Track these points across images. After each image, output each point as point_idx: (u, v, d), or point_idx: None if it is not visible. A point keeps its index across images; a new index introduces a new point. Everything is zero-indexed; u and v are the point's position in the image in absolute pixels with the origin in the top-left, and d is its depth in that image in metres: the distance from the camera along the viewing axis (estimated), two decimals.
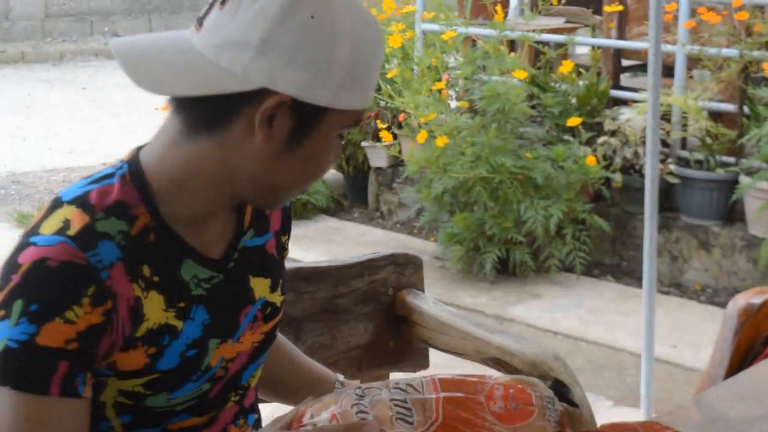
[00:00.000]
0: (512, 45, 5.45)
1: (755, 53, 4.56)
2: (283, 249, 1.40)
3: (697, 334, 4.10)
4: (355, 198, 5.95)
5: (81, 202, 1.17)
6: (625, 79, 5.60)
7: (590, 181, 4.71)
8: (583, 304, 4.49)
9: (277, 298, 1.36)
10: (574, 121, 4.81)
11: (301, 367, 1.58)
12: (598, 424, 1.67)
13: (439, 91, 5.18)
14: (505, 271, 4.73)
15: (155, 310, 1.19)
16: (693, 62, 4.86)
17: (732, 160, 4.62)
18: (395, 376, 2.00)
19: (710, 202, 4.61)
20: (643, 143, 4.45)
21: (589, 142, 4.80)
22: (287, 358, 1.56)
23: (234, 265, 1.29)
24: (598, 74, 5.09)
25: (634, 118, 4.73)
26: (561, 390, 1.66)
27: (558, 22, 5.77)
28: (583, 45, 5.61)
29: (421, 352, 1.96)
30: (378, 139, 5.52)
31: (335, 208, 5.86)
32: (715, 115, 4.73)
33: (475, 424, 1.26)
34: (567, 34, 5.37)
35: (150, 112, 6.47)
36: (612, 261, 4.92)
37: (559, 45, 5.32)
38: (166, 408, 1.25)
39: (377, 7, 5.90)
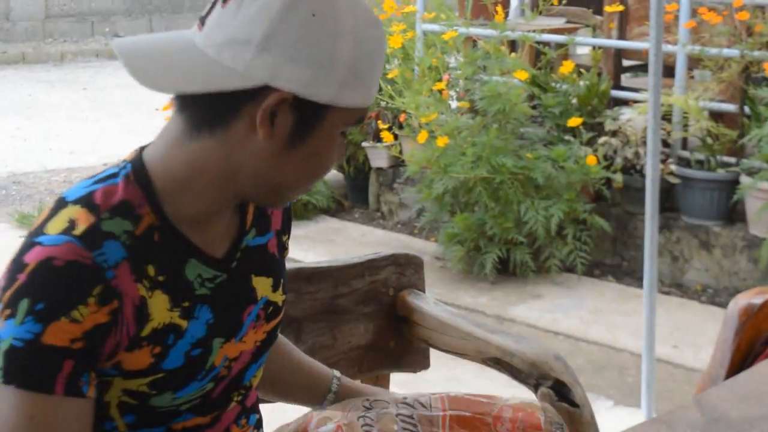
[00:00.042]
0: (513, 45, 5.45)
1: (756, 53, 4.56)
2: (283, 248, 1.41)
3: (697, 334, 4.10)
4: (355, 198, 5.95)
5: (86, 201, 1.17)
6: (625, 79, 5.60)
7: (591, 182, 4.71)
8: (584, 304, 4.49)
9: (278, 297, 1.37)
10: (574, 121, 4.81)
11: (299, 364, 1.58)
12: (599, 424, 1.67)
13: (440, 91, 5.18)
14: (506, 271, 4.73)
15: (160, 309, 1.20)
16: (694, 62, 4.86)
17: (733, 160, 4.62)
18: (396, 376, 2.00)
19: (711, 203, 4.61)
20: (644, 143, 4.44)
21: (590, 143, 4.80)
22: (286, 356, 1.57)
23: (237, 264, 1.29)
24: (599, 74, 5.09)
25: (634, 118, 4.73)
26: (562, 390, 1.66)
27: (559, 22, 5.77)
28: (584, 45, 5.61)
29: (421, 352, 1.96)
30: (379, 139, 5.52)
31: (336, 209, 5.87)
32: (716, 116, 4.73)
33: None
34: (568, 35, 5.37)
35: (151, 112, 6.48)
36: (613, 261, 4.92)
37: (560, 45, 5.32)
38: (171, 407, 1.25)
39: (378, 7, 5.90)
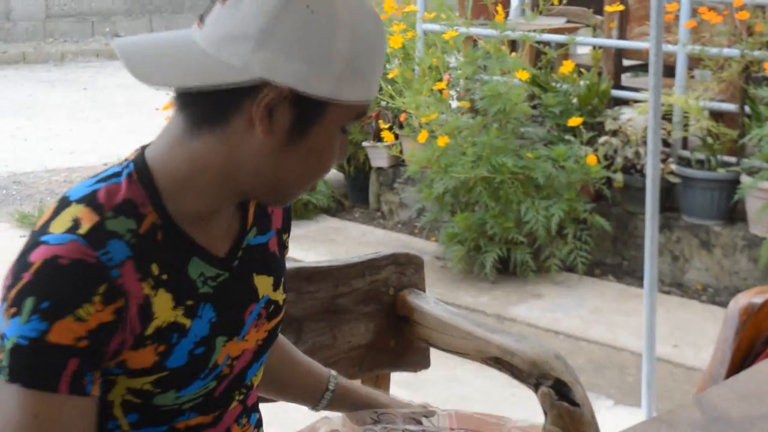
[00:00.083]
0: (513, 45, 5.45)
1: (756, 53, 4.56)
2: (284, 247, 1.41)
3: (698, 333, 4.10)
4: (356, 198, 5.95)
5: (89, 200, 1.18)
6: (626, 78, 5.60)
7: (591, 181, 4.71)
8: (585, 303, 4.49)
9: (279, 296, 1.37)
10: (575, 120, 4.81)
11: (297, 362, 1.59)
12: (599, 424, 1.67)
13: (440, 91, 5.18)
14: (506, 270, 4.73)
15: (164, 308, 1.20)
16: (694, 62, 4.86)
17: (733, 159, 4.62)
18: (396, 375, 2.00)
19: (711, 202, 4.61)
20: (644, 143, 4.45)
21: (590, 142, 4.80)
22: (286, 353, 1.58)
23: (239, 263, 1.30)
24: (599, 74, 5.09)
25: (635, 117, 4.73)
26: (562, 389, 1.66)
27: (559, 22, 5.77)
28: (584, 45, 5.61)
29: (422, 351, 1.96)
30: (379, 139, 5.52)
31: (336, 208, 5.87)
32: (717, 115, 4.73)
33: None
34: (568, 34, 5.37)
35: (151, 112, 6.48)
36: (613, 261, 4.92)
37: (560, 45, 5.32)
38: (174, 406, 1.25)
39: (379, 7, 5.90)
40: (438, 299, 1.95)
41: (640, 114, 4.67)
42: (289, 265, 1.49)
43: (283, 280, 1.38)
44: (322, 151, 1.20)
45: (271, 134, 1.17)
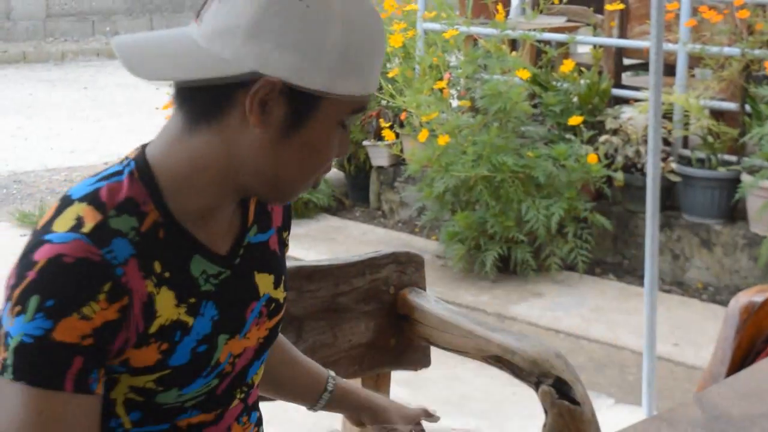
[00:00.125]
0: (513, 44, 5.45)
1: (757, 52, 4.56)
2: (284, 245, 1.41)
3: (698, 332, 4.10)
4: (356, 197, 5.95)
5: (92, 199, 1.18)
6: (626, 77, 5.60)
7: (592, 180, 4.71)
8: (585, 302, 4.49)
9: (279, 294, 1.37)
10: (575, 119, 4.81)
11: (296, 361, 1.59)
12: (600, 422, 1.67)
13: (441, 90, 5.18)
14: (507, 269, 4.73)
15: (167, 306, 1.20)
16: (694, 61, 4.86)
17: (734, 158, 4.62)
18: (397, 374, 2.00)
19: (712, 201, 4.61)
20: (645, 142, 4.45)
21: (591, 141, 4.80)
22: (285, 352, 1.58)
23: (240, 261, 1.30)
24: (600, 73, 5.09)
25: (635, 116, 4.73)
26: (562, 388, 1.66)
27: (559, 20, 5.77)
28: (585, 44, 5.61)
29: (422, 350, 1.96)
30: (380, 138, 5.52)
31: (337, 207, 5.87)
32: (717, 114, 4.73)
33: None
34: (568, 33, 5.38)
35: (151, 111, 6.48)
36: (614, 259, 4.92)
37: (561, 44, 5.32)
38: (176, 404, 1.25)
39: (379, 6, 5.90)
40: (438, 298, 1.95)
41: (640, 113, 4.67)
42: (289, 263, 1.49)
43: (283, 278, 1.38)
44: (318, 145, 1.20)
45: (265, 127, 1.17)
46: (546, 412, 1.67)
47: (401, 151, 5.40)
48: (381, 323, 1.90)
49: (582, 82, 5.02)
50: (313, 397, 1.59)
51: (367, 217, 5.77)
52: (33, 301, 1.11)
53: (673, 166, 4.66)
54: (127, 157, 1.24)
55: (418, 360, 1.97)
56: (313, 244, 5.22)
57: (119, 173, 1.21)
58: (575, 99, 4.99)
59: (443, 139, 4.79)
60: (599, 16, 5.64)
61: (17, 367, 1.11)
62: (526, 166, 4.66)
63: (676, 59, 4.81)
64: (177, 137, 1.20)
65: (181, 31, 1.20)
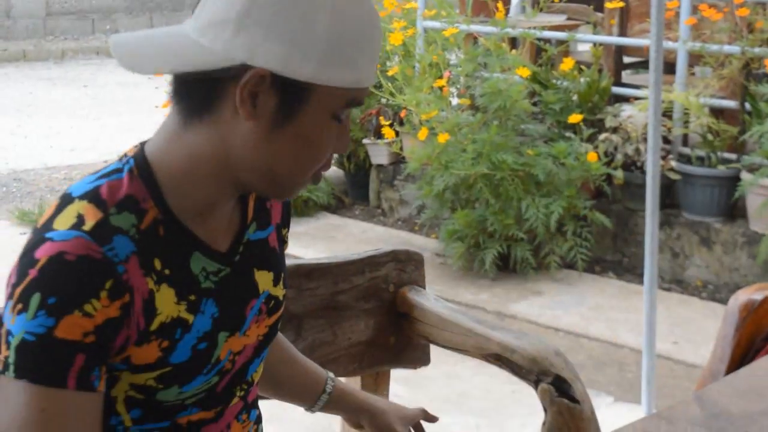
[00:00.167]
0: (513, 42, 5.46)
1: (757, 50, 4.56)
2: (283, 242, 1.41)
3: (698, 330, 4.11)
4: (356, 195, 5.95)
5: (92, 196, 1.18)
6: (626, 76, 5.60)
7: (591, 178, 4.71)
8: (585, 300, 4.49)
9: (279, 291, 1.37)
10: (575, 118, 4.81)
11: (295, 361, 1.59)
12: (599, 420, 1.67)
13: (441, 88, 5.18)
14: (506, 267, 4.73)
15: (167, 303, 1.20)
16: (694, 59, 4.86)
17: (733, 156, 4.62)
18: (396, 372, 2.00)
19: (711, 199, 4.61)
20: (645, 140, 4.45)
21: (591, 139, 4.80)
22: (284, 351, 1.58)
23: (240, 258, 1.30)
24: (600, 71, 5.09)
25: (635, 114, 4.73)
26: (562, 386, 1.66)
27: (559, 19, 5.78)
28: (585, 42, 5.61)
29: (421, 348, 1.96)
30: (379, 136, 5.52)
31: (336, 205, 5.87)
32: (717, 112, 4.73)
33: None
34: (568, 31, 5.37)
35: (151, 110, 6.49)
36: (613, 258, 4.92)
37: (561, 42, 5.32)
38: (177, 402, 1.25)
39: (379, 4, 5.90)
40: (438, 296, 1.95)
41: (640, 111, 4.67)
42: (289, 261, 1.49)
43: (282, 275, 1.38)
44: (312, 137, 1.19)
45: (257, 119, 1.16)
46: (545, 410, 1.67)
47: (401, 149, 5.40)
48: (380, 321, 1.90)
49: (582, 80, 5.02)
50: (311, 397, 1.59)
51: (366, 215, 5.77)
52: (35, 299, 1.10)
53: (673, 164, 4.66)
54: (126, 155, 1.24)
55: (418, 358, 1.97)
56: (313, 242, 5.22)
57: (119, 171, 1.21)
58: (575, 97, 4.99)
59: (443, 137, 4.79)
60: (599, 14, 5.64)
61: (19, 365, 1.11)
62: (526, 164, 4.66)
63: (676, 57, 4.81)
64: (174, 133, 1.20)
65: (176, 28, 1.21)
